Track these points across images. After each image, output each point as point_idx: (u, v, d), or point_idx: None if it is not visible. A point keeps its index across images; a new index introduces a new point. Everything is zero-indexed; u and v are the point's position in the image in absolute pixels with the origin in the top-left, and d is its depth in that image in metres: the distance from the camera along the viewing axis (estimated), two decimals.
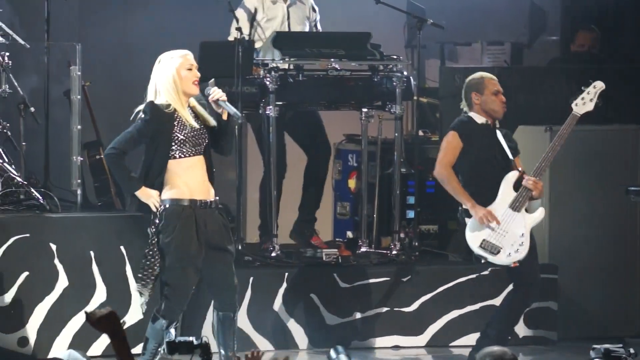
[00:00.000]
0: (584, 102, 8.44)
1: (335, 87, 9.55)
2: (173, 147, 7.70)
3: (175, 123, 7.71)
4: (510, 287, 8.74)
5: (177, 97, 7.70)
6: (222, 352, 7.89)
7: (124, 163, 7.80)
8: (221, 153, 7.92)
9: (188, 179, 7.74)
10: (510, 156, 8.49)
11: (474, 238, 8.38)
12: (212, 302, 7.95)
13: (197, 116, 7.77)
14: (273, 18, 9.75)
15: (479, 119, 8.55)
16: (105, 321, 5.18)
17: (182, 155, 7.71)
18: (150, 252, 7.75)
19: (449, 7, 11.17)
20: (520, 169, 8.45)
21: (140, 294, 7.79)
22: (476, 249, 8.38)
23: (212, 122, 7.80)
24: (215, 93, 7.74)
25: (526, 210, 8.42)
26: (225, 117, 7.76)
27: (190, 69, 7.75)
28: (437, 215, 10.12)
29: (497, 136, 8.54)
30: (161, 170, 7.72)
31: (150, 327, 7.74)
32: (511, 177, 8.41)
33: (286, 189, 9.73)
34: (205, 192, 7.77)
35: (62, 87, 9.79)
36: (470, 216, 8.37)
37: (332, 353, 5.76)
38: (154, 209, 7.71)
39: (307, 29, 9.83)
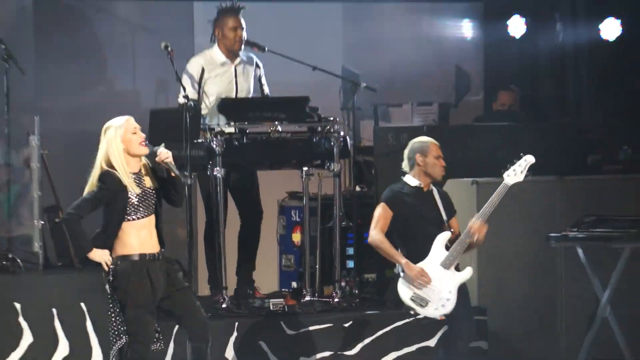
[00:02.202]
0: (515, 174, 8.53)
1: (277, 148, 9.58)
2: (128, 211, 7.79)
3: (129, 189, 7.79)
4: (445, 328, 8.85)
5: (125, 164, 7.75)
6: None
7: (79, 227, 7.79)
8: (172, 204, 7.94)
9: (139, 236, 7.82)
10: (444, 215, 8.64)
11: (405, 291, 8.49)
12: (187, 335, 7.97)
13: (147, 177, 7.86)
14: (222, 76, 9.81)
15: (413, 182, 8.65)
16: None
17: (136, 218, 7.81)
18: (112, 308, 7.86)
19: (380, 72, 11.27)
20: (452, 230, 8.58)
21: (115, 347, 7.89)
22: (407, 301, 8.49)
23: (157, 183, 7.87)
24: (162, 154, 7.81)
25: (456, 269, 8.53)
26: (172, 174, 7.85)
27: (134, 133, 7.81)
28: (375, 264, 10.12)
29: (431, 196, 8.67)
30: (116, 231, 7.80)
31: None
32: (443, 237, 8.54)
33: (232, 243, 9.78)
34: (153, 246, 7.86)
35: (22, 156, 9.76)
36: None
37: None
38: (106, 268, 7.78)
39: (252, 84, 9.89)
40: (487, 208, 8.51)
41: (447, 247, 8.52)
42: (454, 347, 8.58)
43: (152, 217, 7.87)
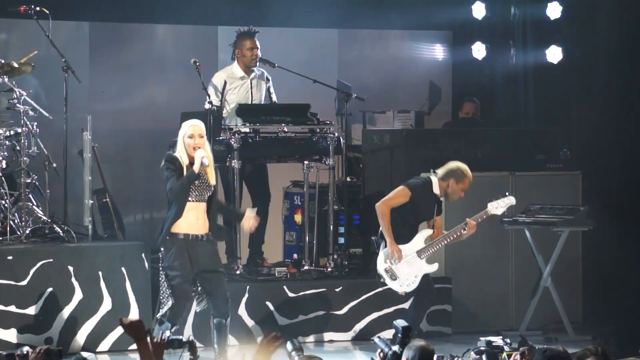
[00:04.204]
0: (497, 207, 8.47)
1: (283, 145, 9.53)
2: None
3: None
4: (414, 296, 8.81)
5: (184, 156, 7.71)
6: (216, 348, 7.89)
7: (179, 182, 7.70)
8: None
9: (187, 218, 7.72)
10: (435, 216, 8.51)
11: (382, 261, 8.46)
12: (211, 310, 7.93)
13: (210, 174, 7.77)
14: (240, 88, 9.71)
15: (436, 190, 8.47)
16: (134, 326, 5.14)
17: (191, 200, 7.72)
18: (162, 279, 7.81)
19: (368, 84, 11.19)
20: (434, 230, 8.48)
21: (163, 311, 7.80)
22: (381, 270, 8.46)
23: (213, 180, 7.79)
24: (199, 152, 7.75)
25: (426, 261, 8.49)
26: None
27: (191, 137, 7.73)
28: (362, 241, 10.09)
29: (438, 205, 8.53)
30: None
31: (157, 328, 7.70)
32: (426, 233, 8.50)
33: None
34: (199, 228, 7.73)
35: (77, 148, 9.76)
36: (386, 245, 8.43)
37: (289, 345, 5.77)
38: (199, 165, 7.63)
39: (264, 93, 9.82)
40: (469, 223, 8.44)
41: (426, 241, 8.46)
42: (424, 301, 8.56)
43: (203, 205, 7.71)
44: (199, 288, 7.85)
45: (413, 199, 8.42)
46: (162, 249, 7.80)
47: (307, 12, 11.18)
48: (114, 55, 11.10)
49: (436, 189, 8.46)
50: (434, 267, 8.51)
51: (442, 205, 8.66)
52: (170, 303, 7.72)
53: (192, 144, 7.74)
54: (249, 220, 7.98)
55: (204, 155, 7.72)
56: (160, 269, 7.83)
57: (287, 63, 9.88)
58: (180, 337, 5.44)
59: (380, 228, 8.48)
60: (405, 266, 8.41)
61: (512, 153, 10.21)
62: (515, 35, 11.52)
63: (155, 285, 8.39)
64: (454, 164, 8.50)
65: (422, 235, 8.48)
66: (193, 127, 7.80)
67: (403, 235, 8.46)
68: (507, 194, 8.50)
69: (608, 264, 10.14)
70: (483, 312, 9.74)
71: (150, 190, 10.61)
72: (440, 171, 8.51)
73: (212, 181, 7.81)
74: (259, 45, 9.77)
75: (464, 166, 8.49)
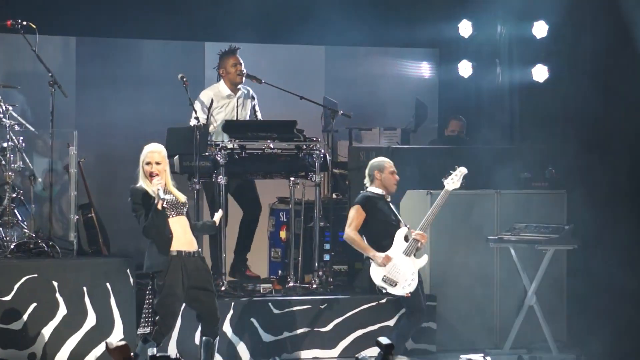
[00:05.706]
0: (453, 182, 8.75)
1: (269, 161, 9.55)
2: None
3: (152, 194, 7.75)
4: (402, 311, 8.89)
5: (145, 184, 7.71)
6: None
7: (149, 222, 7.72)
8: None
9: (175, 235, 7.71)
10: (399, 217, 8.79)
11: (377, 273, 8.60)
12: (200, 327, 7.95)
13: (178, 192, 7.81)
14: (226, 106, 9.75)
15: (377, 191, 8.76)
16: (119, 351, 5.09)
17: (171, 216, 7.73)
18: (148, 298, 7.82)
19: (354, 102, 11.21)
20: (407, 226, 8.69)
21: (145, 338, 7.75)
22: (378, 282, 8.58)
23: (183, 197, 7.80)
24: (155, 183, 7.76)
25: (414, 256, 8.64)
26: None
27: (148, 164, 7.71)
28: (347, 257, 10.11)
29: (389, 204, 8.81)
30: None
31: (141, 347, 7.67)
32: (402, 232, 8.69)
33: (230, 240, 9.68)
34: (188, 244, 7.74)
35: (63, 163, 9.75)
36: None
37: None
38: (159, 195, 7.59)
39: (249, 112, 9.85)
40: (434, 208, 8.69)
41: (406, 239, 8.66)
42: (414, 317, 8.69)
43: (183, 219, 7.70)
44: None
45: (369, 210, 8.69)
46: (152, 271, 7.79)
47: (294, 29, 11.22)
48: (100, 70, 11.12)
49: (378, 190, 8.78)
50: (424, 260, 8.72)
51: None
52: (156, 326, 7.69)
53: (149, 170, 7.73)
54: (218, 217, 8.13)
55: (160, 186, 7.67)
56: (149, 287, 7.81)
57: (274, 79, 9.91)
58: (167, 354, 5.43)
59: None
60: (399, 269, 8.55)
61: (497, 171, 10.25)
62: (501, 54, 11.56)
63: (140, 302, 8.36)
64: (367, 167, 8.89)
65: (400, 235, 8.68)
66: (150, 154, 7.78)
67: (384, 245, 8.65)
68: (455, 167, 8.78)
69: (593, 283, 10.16)
70: (468, 330, 9.75)
71: None
72: (365, 180, 8.90)
73: (182, 199, 7.83)
74: (242, 61, 9.80)
75: (375, 159, 8.90)
